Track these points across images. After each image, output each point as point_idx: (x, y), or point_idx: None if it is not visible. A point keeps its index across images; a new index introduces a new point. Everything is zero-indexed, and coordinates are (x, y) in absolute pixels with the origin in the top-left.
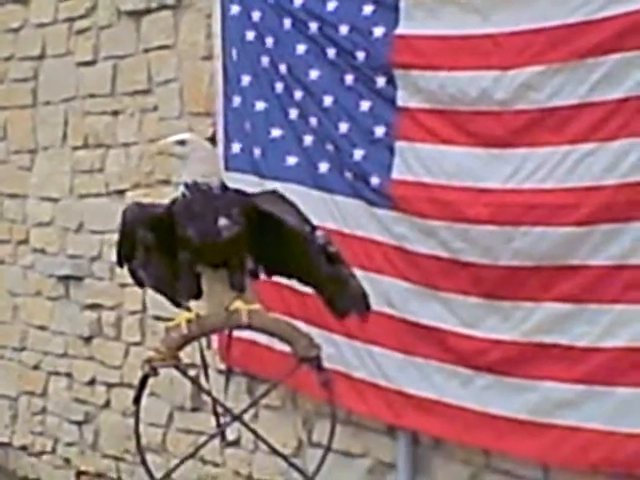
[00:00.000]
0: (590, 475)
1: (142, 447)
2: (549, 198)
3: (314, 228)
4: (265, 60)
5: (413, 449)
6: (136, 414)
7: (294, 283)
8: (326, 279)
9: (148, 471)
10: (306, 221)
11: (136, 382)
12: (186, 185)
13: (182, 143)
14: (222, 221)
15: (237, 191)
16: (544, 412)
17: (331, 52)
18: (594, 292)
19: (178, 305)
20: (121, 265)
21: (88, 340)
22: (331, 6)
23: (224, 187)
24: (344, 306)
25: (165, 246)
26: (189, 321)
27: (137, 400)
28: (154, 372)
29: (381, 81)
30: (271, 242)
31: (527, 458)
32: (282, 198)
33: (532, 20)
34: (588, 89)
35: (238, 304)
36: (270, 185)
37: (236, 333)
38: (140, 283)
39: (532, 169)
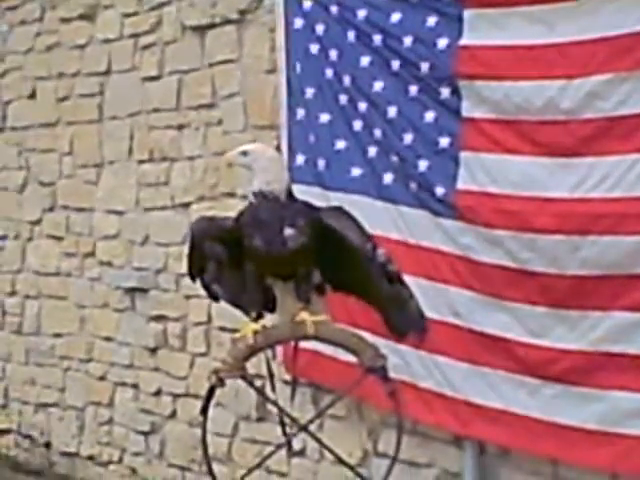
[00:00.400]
0: None
1: (209, 457)
2: (616, 207)
3: (375, 247)
4: (329, 72)
5: (480, 459)
6: (203, 425)
7: None
8: (385, 298)
9: None
10: (368, 239)
11: (202, 392)
12: (254, 194)
13: (245, 154)
14: (288, 231)
15: (304, 203)
16: (613, 421)
17: (395, 64)
18: None
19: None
20: (193, 279)
21: (154, 351)
22: (395, 18)
23: (291, 196)
24: (403, 326)
25: (236, 259)
26: (255, 332)
27: (204, 411)
28: (221, 383)
29: (445, 92)
30: (335, 257)
31: (596, 468)
32: (346, 215)
33: (597, 29)
34: None
35: (304, 315)
36: (334, 196)
37: (301, 344)
38: (215, 297)
39: (599, 178)
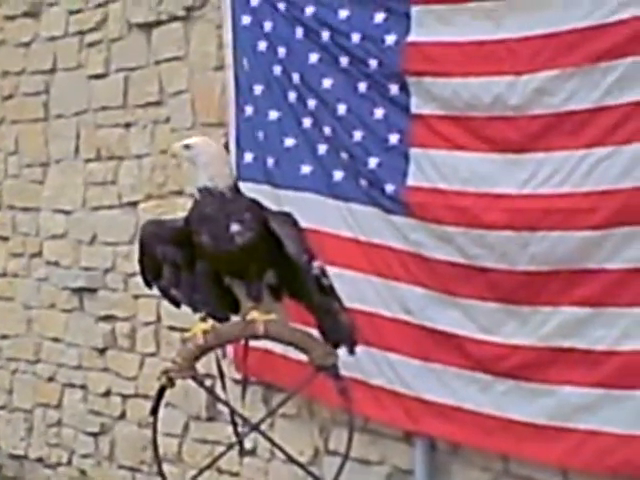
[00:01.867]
0: (609, 479)
1: (160, 458)
2: (566, 203)
3: (312, 258)
4: (277, 69)
5: (431, 456)
6: (154, 425)
7: None
8: (318, 309)
9: None
10: (305, 250)
11: (152, 393)
12: (199, 190)
13: (188, 147)
14: (234, 227)
15: (251, 200)
16: (563, 417)
17: (344, 60)
18: (611, 296)
19: (220, 320)
20: (149, 286)
21: (103, 352)
22: (343, 14)
23: (238, 192)
24: (335, 337)
25: (191, 260)
26: (205, 332)
27: (154, 411)
28: (171, 383)
29: (394, 89)
30: (280, 263)
31: (546, 463)
32: (292, 222)
33: (544, 25)
34: (602, 93)
35: (254, 314)
36: (284, 194)
37: (252, 343)
38: (176, 302)
39: (548, 174)
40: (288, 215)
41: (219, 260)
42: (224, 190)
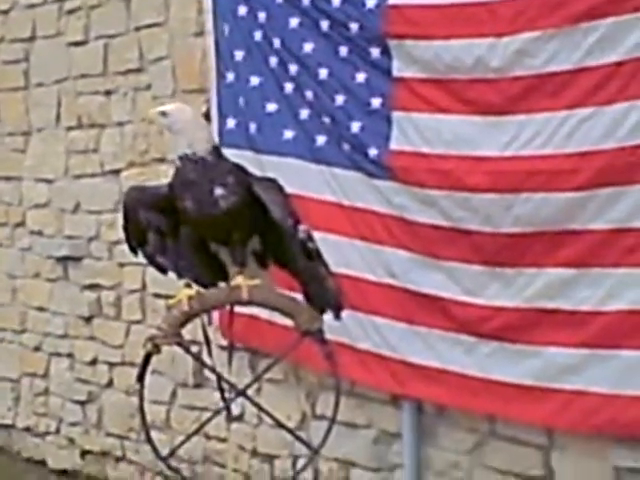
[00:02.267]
0: (595, 438)
1: (147, 425)
2: (548, 164)
3: (297, 223)
4: (258, 35)
5: (418, 418)
6: (140, 392)
7: None
8: (304, 274)
9: (154, 448)
10: (290, 215)
11: (138, 360)
12: (179, 157)
13: (164, 114)
14: (218, 191)
15: (234, 164)
16: (549, 377)
17: (324, 24)
18: (596, 256)
19: (206, 287)
20: (135, 253)
21: (88, 320)
22: None
23: (218, 155)
24: (320, 302)
25: (176, 227)
26: (190, 297)
27: (141, 378)
28: (157, 350)
29: (376, 52)
30: (264, 228)
31: (532, 423)
32: (277, 188)
33: None
34: (584, 54)
35: (239, 280)
36: (267, 160)
37: (238, 308)
38: (162, 269)
39: (530, 136)
40: (273, 181)
41: (203, 225)
42: (205, 155)
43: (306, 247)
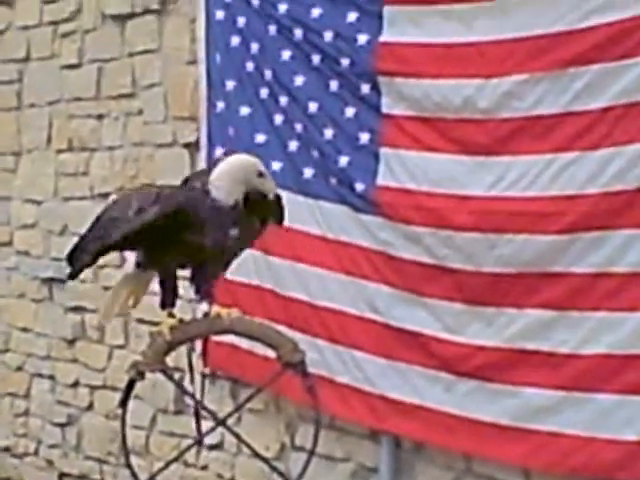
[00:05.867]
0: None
1: (128, 450)
2: (532, 206)
3: None
4: (250, 65)
5: (395, 453)
6: (122, 418)
7: (275, 288)
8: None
9: (133, 474)
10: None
11: (120, 385)
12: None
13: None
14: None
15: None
16: (525, 418)
17: (316, 58)
18: (576, 299)
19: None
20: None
21: (72, 342)
22: (316, 13)
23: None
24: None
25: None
26: (172, 328)
27: (124, 404)
28: (141, 376)
29: (365, 88)
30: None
31: (508, 463)
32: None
33: (515, 29)
34: (571, 98)
35: (219, 310)
36: None
37: (219, 337)
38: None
39: (515, 177)
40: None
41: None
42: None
43: None
